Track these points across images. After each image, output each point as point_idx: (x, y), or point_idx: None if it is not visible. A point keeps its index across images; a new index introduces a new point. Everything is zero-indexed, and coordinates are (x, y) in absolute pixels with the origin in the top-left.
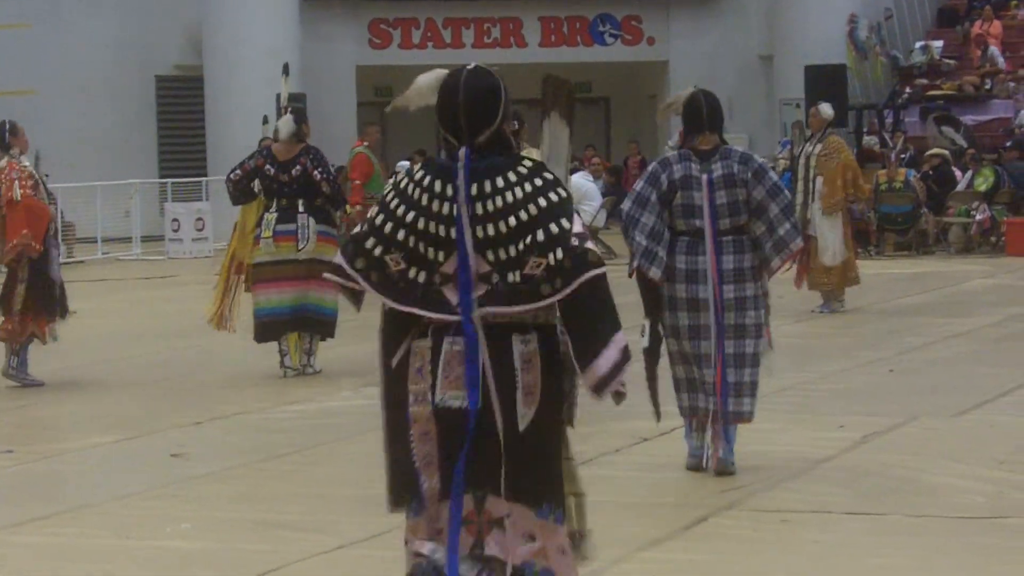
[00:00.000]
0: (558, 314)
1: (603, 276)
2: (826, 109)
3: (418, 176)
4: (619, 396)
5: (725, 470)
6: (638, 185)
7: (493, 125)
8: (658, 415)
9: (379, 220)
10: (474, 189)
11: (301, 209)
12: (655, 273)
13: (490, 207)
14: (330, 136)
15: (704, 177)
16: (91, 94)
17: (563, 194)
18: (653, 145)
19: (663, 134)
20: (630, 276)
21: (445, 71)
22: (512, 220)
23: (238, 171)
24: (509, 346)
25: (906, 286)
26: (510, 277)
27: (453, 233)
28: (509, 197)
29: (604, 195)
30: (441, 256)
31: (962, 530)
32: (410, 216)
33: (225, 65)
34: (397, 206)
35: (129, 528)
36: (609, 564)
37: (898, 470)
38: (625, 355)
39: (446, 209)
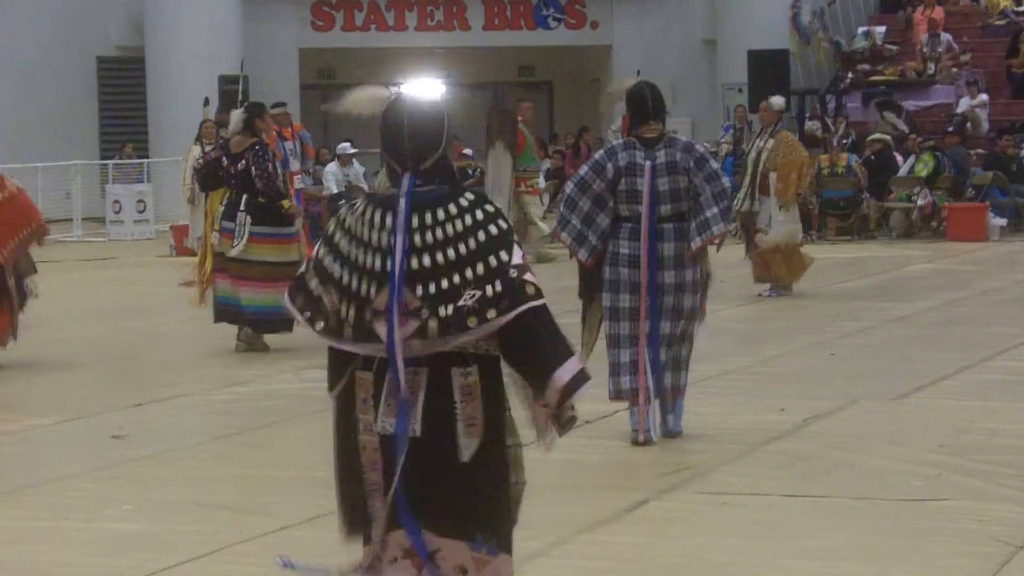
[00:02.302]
0: (499, 346)
1: (543, 308)
2: (777, 101)
3: (359, 210)
4: (571, 421)
5: (671, 434)
6: (583, 170)
7: (437, 152)
8: (586, 354)
9: (320, 254)
10: (415, 220)
11: (242, 207)
12: (583, 255)
13: (428, 238)
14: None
15: (648, 164)
16: (32, 75)
17: (504, 226)
18: (596, 129)
19: (606, 118)
20: (571, 257)
21: (382, 91)
22: (451, 252)
23: (201, 160)
24: (448, 379)
25: (847, 271)
26: (441, 311)
27: (388, 265)
28: (449, 229)
29: (547, 179)
30: (373, 291)
31: (901, 513)
32: (349, 250)
33: (166, 47)
34: (337, 241)
35: (69, 510)
36: (549, 546)
37: (838, 453)
38: (578, 377)
39: (384, 241)
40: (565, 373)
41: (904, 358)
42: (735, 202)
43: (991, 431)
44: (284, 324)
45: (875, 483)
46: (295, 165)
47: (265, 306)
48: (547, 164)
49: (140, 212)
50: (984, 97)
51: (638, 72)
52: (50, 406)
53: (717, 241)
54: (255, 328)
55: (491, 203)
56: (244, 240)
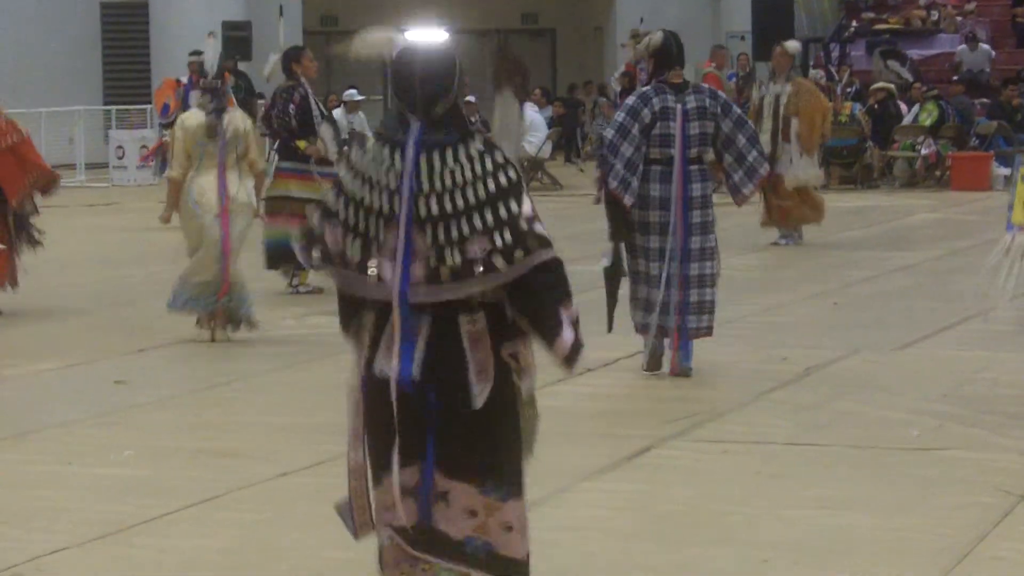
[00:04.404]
0: (507, 297)
1: (553, 260)
2: (793, 45)
3: (371, 148)
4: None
5: (683, 373)
6: (620, 116)
7: (448, 98)
8: (610, 327)
9: (330, 196)
10: (422, 162)
11: (275, 146)
12: (628, 200)
13: (437, 183)
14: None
15: (679, 107)
16: (35, 21)
17: (514, 176)
18: (599, 76)
19: (609, 66)
20: (596, 203)
21: (391, 34)
22: (459, 199)
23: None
24: (456, 325)
25: (851, 220)
26: (448, 258)
27: (397, 207)
28: (458, 175)
29: (550, 127)
30: (381, 233)
31: (902, 462)
32: (357, 189)
33: None
34: (344, 179)
35: (70, 455)
36: (552, 494)
37: (840, 403)
38: (576, 330)
39: (393, 182)
40: (564, 343)
41: (907, 308)
42: None
43: (993, 381)
44: (288, 259)
45: (877, 432)
46: None
47: (271, 239)
48: (549, 112)
49: (143, 158)
50: (985, 48)
51: (641, 20)
52: (52, 352)
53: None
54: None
55: (501, 152)
56: (271, 176)
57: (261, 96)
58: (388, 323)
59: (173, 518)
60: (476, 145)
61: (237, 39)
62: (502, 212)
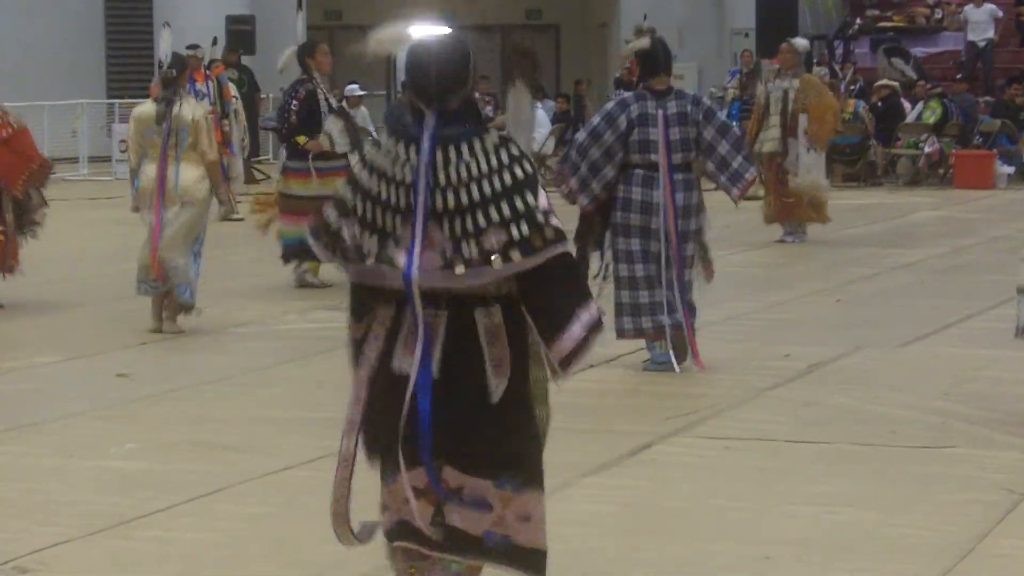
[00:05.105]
0: (519, 290)
1: (567, 253)
2: (801, 43)
3: (387, 142)
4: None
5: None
6: (595, 120)
7: (463, 91)
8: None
9: (344, 190)
10: (438, 155)
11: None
12: (583, 201)
13: (453, 176)
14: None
15: (660, 113)
16: (38, 13)
17: (529, 169)
18: (602, 74)
19: (612, 63)
20: (572, 203)
21: (404, 30)
22: (475, 191)
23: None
24: (472, 319)
25: (854, 217)
26: (465, 251)
27: (412, 200)
28: (474, 168)
29: (553, 122)
30: (398, 226)
31: (905, 459)
32: (372, 183)
33: None
34: (359, 175)
35: (73, 448)
36: (553, 490)
37: (842, 400)
38: (592, 331)
39: (408, 176)
40: (568, 340)
41: (910, 305)
42: (760, 143)
43: (996, 379)
44: (303, 255)
45: (879, 430)
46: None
47: (286, 237)
48: (552, 106)
49: None
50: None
51: (644, 16)
52: (55, 344)
53: (750, 189)
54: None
55: (516, 144)
56: (279, 174)
57: (259, 89)
58: (405, 318)
59: (175, 511)
60: (491, 138)
61: (241, 33)
62: (519, 204)
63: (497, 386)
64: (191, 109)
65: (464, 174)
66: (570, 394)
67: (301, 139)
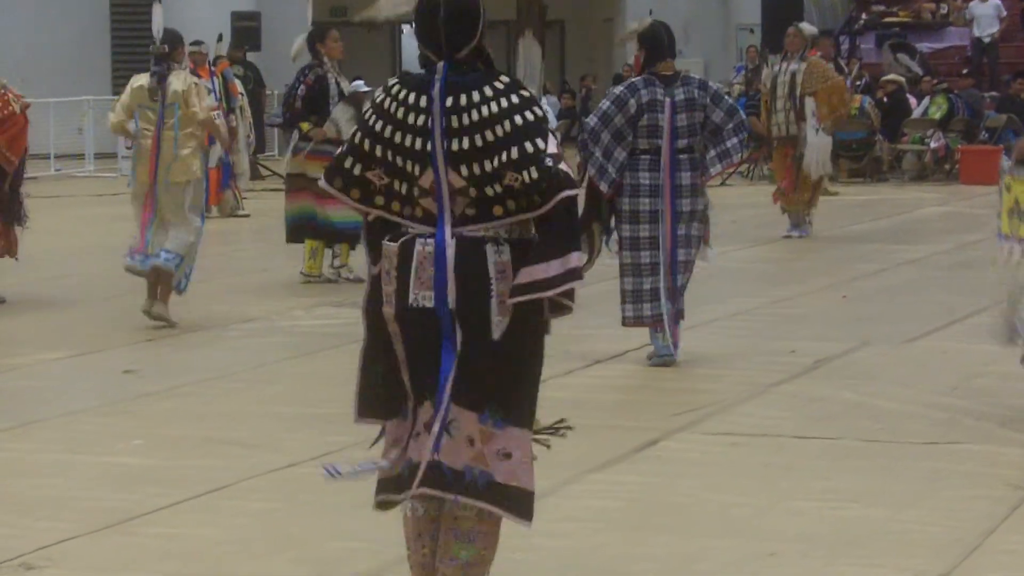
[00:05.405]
0: (533, 231)
1: (575, 198)
2: (808, 28)
3: (394, 90)
4: (561, 309)
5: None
6: (604, 105)
7: (473, 40)
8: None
9: (358, 137)
10: (449, 101)
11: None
12: (604, 187)
13: (465, 120)
14: (285, 55)
15: (667, 100)
16: (44, 10)
17: (539, 113)
18: (607, 69)
19: (618, 58)
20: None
21: None
22: (488, 135)
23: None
24: (483, 255)
25: (860, 213)
26: (487, 191)
27: (428, 146)
28: (484, 111)
29: (559, 118)
30: (418, 169)
31: (911, 455)
32: (387, 131)
33: None
34: (375, 122)
35: (79, 444)
36: (559, 485)
37: (848, 395)
38: (569, 275)
39: (420, 121)
40: (541, 270)
41: (916, 301)
42: (774, 128)
43: (1003, 374)
44: (308, 233)
45: (886, 425)
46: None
47: (291, 215)
48: (557, 103)
49: None
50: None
51: (650, 12)
52: (61, 341)
53: (732, 170)
54: (317, 237)
55: (525, 89)
56: (289, 155)
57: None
58: (415, 254)
59: (181, 508)
60: (501, 82)
61: (246, 29)
62: (528, 147)
63: (499, 323)
64: (181, 81)
65: (476, 117)
66: (576, 389)
67: (305, 126)
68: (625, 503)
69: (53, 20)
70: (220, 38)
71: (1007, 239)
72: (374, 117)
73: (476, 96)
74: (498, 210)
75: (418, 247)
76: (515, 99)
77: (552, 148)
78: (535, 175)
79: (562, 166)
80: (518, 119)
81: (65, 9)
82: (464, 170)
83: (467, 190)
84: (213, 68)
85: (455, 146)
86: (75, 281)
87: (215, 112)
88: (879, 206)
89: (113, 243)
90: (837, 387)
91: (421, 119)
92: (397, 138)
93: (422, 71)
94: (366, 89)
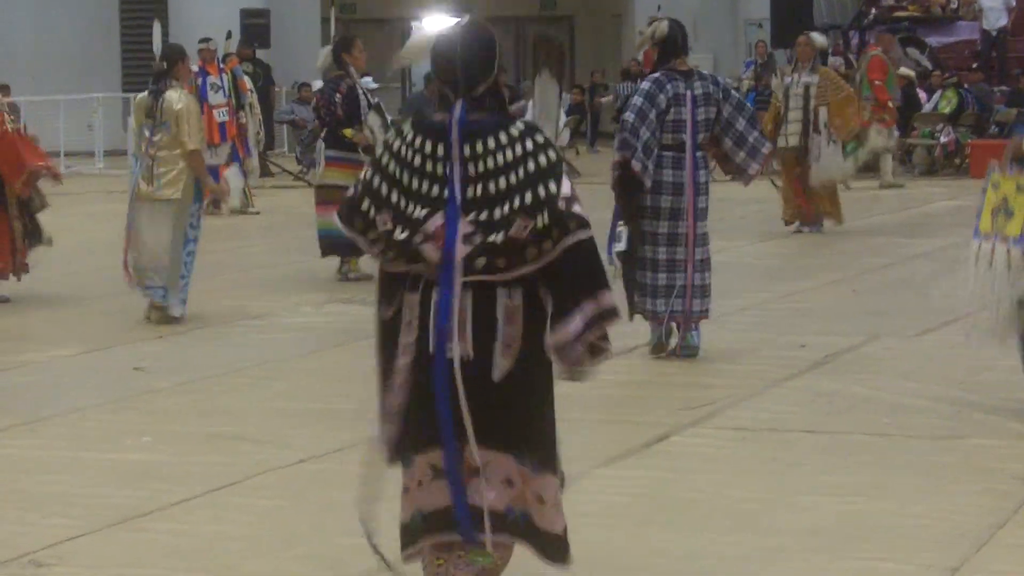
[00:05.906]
0: (541, 274)
1: (588, 241)
2: (819, 38)
3: (409, 137)
4: (599, 352)
5: (693, 353)
6: (638, 100)
7: (489, 78)
8: (631, 314)
9: (373, 180)
10: (466, 150)
11: (323, 135)
12: (648, 182)
13: (481, 168)
14: (294, 52)
15: (688, 94)
16: (53, 8)
17: (553, 157)
18: (617, 65)
19: (627, 54)
20: (613, 187)
21: (432, 31)
22: (502, 182)
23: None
24: (493, 299)
25: (870, 207)
26: (493, 238)
27: (444, 192)
28: (500, 159)
29: (568, 114)
30: (425, 215)
31: (920, 449)
32: (404, 176)
33: None
34: (389, 166)
35: (88, 440)
36: (567, 480)
37: (858, 390)
38: (606, 315)
39: (439, 170)
40: (563, 333)
41: (925, 295)
42: (781, 138)
43: (1011, 368)
44: (340, 248)
45: (894, 420)
46: (218, 98)
47: (323, 228)
48: (567, 98)
49: None
50: None
51: (659, 7)
52: (70, 337)
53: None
54: (322, 251)
55: (541, 133)
56: (321, 166)
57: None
58: (432, 302)
59: (190, 504)
60: (517, 127)
61: (256, 27)
62: (541, 192)
63: (499, 365)
64: (176, 100)
65: (491, 165)
66: (585, 385)
67: (348, 132)
68: (634, 498)
69: (62, 17)
70: (229, 35)
71: (987, 238)
72: (389, 162)
73: (492, 143)
74: (506, 257)
75: (435, 296)
76: (529, 145)
77: (565, 190)
78: (547, 219)
79: (575, 208)
80: (531, 165)
81: (74, 7)
82: (474, 216)
83: (473, 236)
84: (222, 65)
85: (470, 192)
86: (84, 278)
87: (222, 108)
88: (889, 200)
89: (123, 240)
90: (846, 381)
91: (439, 167)
92: (414, 184)
93: (435, 116)
94: (375, 86)
